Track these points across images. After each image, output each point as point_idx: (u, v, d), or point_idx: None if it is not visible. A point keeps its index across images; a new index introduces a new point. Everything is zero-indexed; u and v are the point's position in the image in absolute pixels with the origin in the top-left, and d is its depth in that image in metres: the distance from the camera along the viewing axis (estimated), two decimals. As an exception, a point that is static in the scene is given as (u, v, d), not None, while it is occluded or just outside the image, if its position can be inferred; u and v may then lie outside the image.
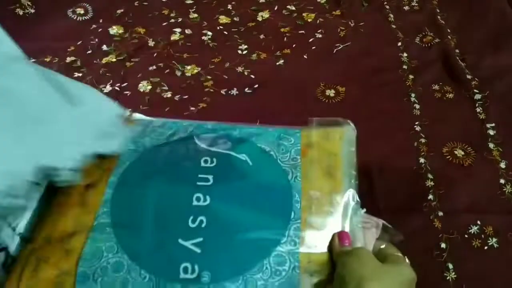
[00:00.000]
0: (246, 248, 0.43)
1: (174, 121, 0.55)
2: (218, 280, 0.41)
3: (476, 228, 0.57)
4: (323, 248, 0.43)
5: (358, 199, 0.45)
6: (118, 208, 0.46)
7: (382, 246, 0.44)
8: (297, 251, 0.42)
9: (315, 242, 0.43)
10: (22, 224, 0.44)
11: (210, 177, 0.48)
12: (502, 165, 0.64)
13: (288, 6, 0.96)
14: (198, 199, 0.46)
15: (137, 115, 0.57)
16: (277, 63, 0.82)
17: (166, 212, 0.46)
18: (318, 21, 0.92)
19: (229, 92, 0.75)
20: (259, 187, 0.48)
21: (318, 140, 0.50)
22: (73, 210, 0.46)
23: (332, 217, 0.45)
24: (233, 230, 0.44)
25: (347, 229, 0.44)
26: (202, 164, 0.49)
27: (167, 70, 0.80)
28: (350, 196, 0.46)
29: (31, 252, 0.43)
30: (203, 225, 0.44)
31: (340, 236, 0.43)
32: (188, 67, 0.81)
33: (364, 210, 0.46)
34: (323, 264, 0.42)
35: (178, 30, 0.90)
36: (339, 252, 0.42)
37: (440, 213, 0.58)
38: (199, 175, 0.48)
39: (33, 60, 0.83)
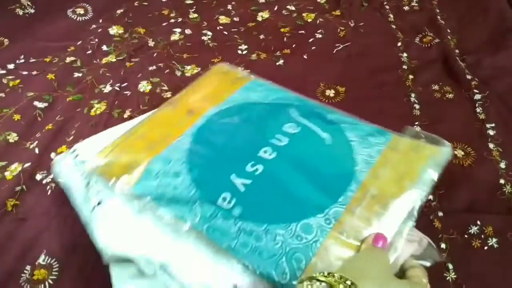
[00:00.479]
0: (282, 206, 0.48)
1: (285, 90, 0.65)
2: (246, 219, 0.47)
3: (476, 228, 0.57)
4: (356, 241, 0.44)
5: (416, 215, 0.46)
6: (200, 134, 0.58)
7: (414, 265, 0.44)
8: (328, 229, 0.45)
9: (352, 232, 0.45)
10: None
11: (286, 139, 0.55)
12: (502, 165, 0.64)
13: (288, 6, 0.96)
14: (265, 151, 0.54)
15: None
16: (277, 63, 0.82)
17: (234, 151, 0.55)
18: (318, 21, 0.92)
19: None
20: (324, 164, 0.53)
21: (406, 149, 0.53)
22: (170, 123, 0.60)
23: (379, 218, 0.46)
24: (280, 187, 0.50)
25: (390, 235, 0.44)
26: (285, 128, 0.57)
27: (167, 70, 0.80)
28: (409, 208, 0.47)
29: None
30: (257, 173, 0.51)
31: (376, 236, 0.44)
32: (188, 67, 0.81)
33: (414, 223, 0.46)
34: (345, 252, 0.44)
35: (178, 30, 0.90)
36: (363, 248, 0.42)
37: (440, 213, 0.58)
38: (277, 135, 0.56)
39: (33, 60, 0.83)
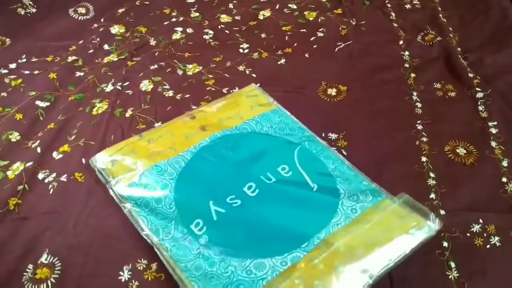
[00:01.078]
0: (245, 241, 0.51)
1: (301, 126, 0.66)
2: (208, 247, 0.51)
3: (478, 226, 0.57)
4: None
5: (371, 283, 0.46)
6: (200, 155, 0.61)
7: None
8: (280, 270, 0.48)
9: (304, 279, 0.47)
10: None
11: (274, 180, 0.58)
12: (504, 163, 0.64)
13: (290, 5, 0.96)
14: (250, 187, 0.57)
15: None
16: (279, 62, 0.82)
17: (222, 179, 0.58)
18: (319, 20, 0.92)
19: (231, 91, 0.75)
20: (301, 210, 0.55)
21: (391, 214, 0.53)
22: (180, 135, 0.64)
23: (335, 274, 0.47)
24: (249, 224, 0.53)
25: None
26: (279, 168, 0.59)
27: (169, 69, 0.80)
28: (366, 276, 0.47)
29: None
30: (234, 205, 0.54)
31: None
32: (190, 66, 0.81)
33: None
34: None
35: (179, 29, 0.90)
36: None
37: (442, 212, 0.58)
38: (268, 173, 0.58)
39: (35, 59, 0.83)
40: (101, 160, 0.61)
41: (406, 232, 0.51)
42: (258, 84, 0.75)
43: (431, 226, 0.51)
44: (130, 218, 0.55)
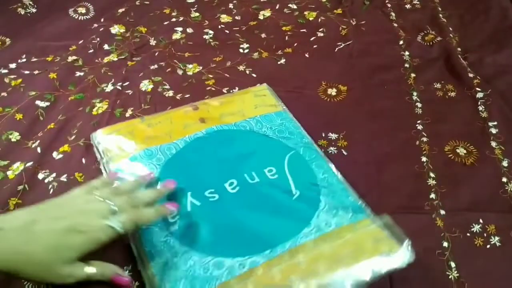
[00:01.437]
0: (211, 237, 0.50)
1: (301, 132, 0.65)
2: (176, 237, 0.51)
3: (478, 226, 0.57)
4: None
5: None
6: (192, 146, 0.61)
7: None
8: (236, 273, 0.47)
9: (259, 285, 0.46)
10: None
11: (257, 180, 0.57)
12: (505, 163, 0.64)
13: (290, 5, 0.96)
14: (231, 183, 0.56)
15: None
16: (279, 62, 0.82)
17: (205, 172, 0.58)
18: (319, 20, 0.92)
19: (231, 90, 0.75)
20: (275, 215, 0.53)
21: (366, 235, 0.51)
22: (178, 123, 0.65)
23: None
24: (219, 220, 0.52)
25: None
26: (265, 170, 0.58)
27: (169, 69, 0.80)
28: None
29: None
30: (211, 199, 0.54)
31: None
32: (190, 66, 0.81)
33: None
34: None
35: (179, 29, 0.90)
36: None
37: (442, 212, 0.58)
38: (253, 172, 0.57)
39: (35, 59, 0.83)
40: (100, 136, 0.63)
41: (375, 256, 0.48)
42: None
43: (403, 255, 0.48)
44: None
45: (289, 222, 0.52)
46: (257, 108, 0.68)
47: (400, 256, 0.48)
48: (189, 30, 0.90)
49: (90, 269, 0.45)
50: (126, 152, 0.60)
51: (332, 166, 0.61)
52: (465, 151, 0.65)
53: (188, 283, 0.46)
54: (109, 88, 0.77)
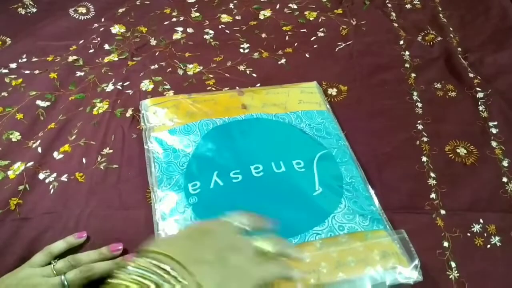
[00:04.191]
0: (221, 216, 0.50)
1: (339, 134, 0.66)
2: (193, 209, 0.54)
3: (478, 226, 0.57)
4: None
5: None
6: (229, 127, 0.64)
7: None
8: None
9: None
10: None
11: (282, 170, 0.57)
12: (505, 163, 0.64)
13: (290, 5, 0.96)
14: (257, 168, 0.58)
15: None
16: (279, 62, 0.82)
17: (236, 154, 0.60)
18: (320, 20, 0.92)
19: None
20: (290, 209, 0.54)
21: (376, 246, 0.50)
22: (222, 104, 0.68)
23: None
24: (234, 202, 0.54)
25: None
26: (293, 162, 0.59)
27: (169, 69, 0.80)
28: None
29: None
30: (234, 180, 0.56)
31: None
32: (190, 66, 0.81)
33: None
34: None
35: (180, 29, 0.90)
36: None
37: (443, 212, 0.58)
38: (281, 162, 0.58)
39: (36, 59, 0.83)
40: (148, 106, 0.68)
41: (379, 267, 0.48)
42: (259, 84, 0.75)
43: (410, 273, 0.48)
44: (147, 160, 0.61)
45: (304, 217, 0.53)
46: (300, 104, 0.69)
47: (407, 272, 0.48)
48: (190, 30, 0.90)
49: None
50: (167, 124, 0.65)
51: (362, 174, 0.61)
52: (465, 151, 0.65)
53: None
54: (110, 88, 0.77)
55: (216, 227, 0.39)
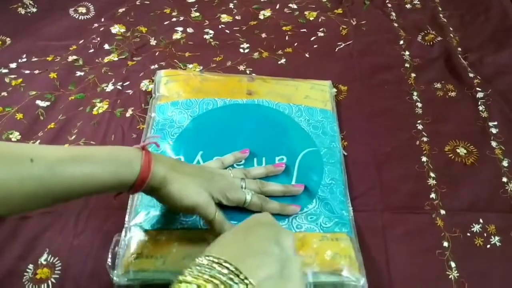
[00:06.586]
0: None
1: (336, 136, 0.66)
2: None
3: (478, 226, 0.57)
4: None
5: None
6: (228, 110, 0.66)
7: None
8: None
9: None
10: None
11: (265, 164, 0.59)
12: (505, 163, 0.64)
13: (290, 5, 0.96)
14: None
15: None
16: (279, 62, 0.82)
17: (221, 139, 0.62)
18: (320, 20, 0.92)
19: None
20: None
21: (332, 246, 0.50)
22: (227, 86, 0.70)
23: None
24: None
25: None
26: (276, 157, 0.60)
27: (169, 69, 0.80)
28: None
29: None
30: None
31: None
32: (190, 66, 0.81)
33: None
34: None
35: (180, 29, 0.90)
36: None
37: (443, 212, 0.58)
38: (263, 158, 0.60)
39: (36, 59, 0.83)
40: (161, 77, 0.72)
41: (326, 264, 0.48)
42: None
43: (356, 277, 0.48)
44: (146, 125, 0.65)
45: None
46: (306, 99, 0.69)
47: (353, 275, 0.48)
48: (190, 30, 0.90)
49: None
50: (172, 97, 0.68)
51: (345, 179, 0.60)
52: (465, 151, 0.65)
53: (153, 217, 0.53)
54: (110, 88, 0.77)
55: (255, 223, 0.41)
